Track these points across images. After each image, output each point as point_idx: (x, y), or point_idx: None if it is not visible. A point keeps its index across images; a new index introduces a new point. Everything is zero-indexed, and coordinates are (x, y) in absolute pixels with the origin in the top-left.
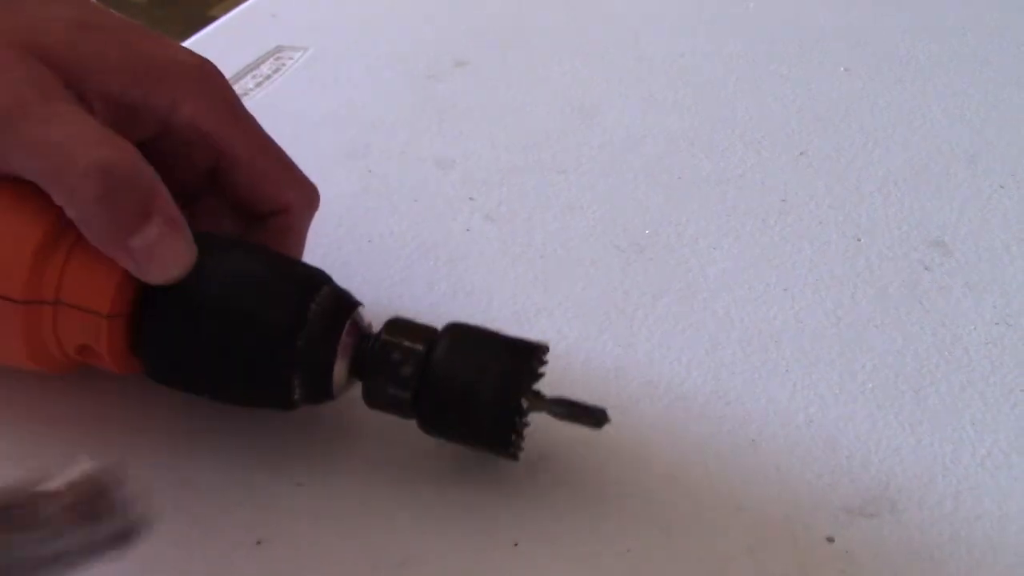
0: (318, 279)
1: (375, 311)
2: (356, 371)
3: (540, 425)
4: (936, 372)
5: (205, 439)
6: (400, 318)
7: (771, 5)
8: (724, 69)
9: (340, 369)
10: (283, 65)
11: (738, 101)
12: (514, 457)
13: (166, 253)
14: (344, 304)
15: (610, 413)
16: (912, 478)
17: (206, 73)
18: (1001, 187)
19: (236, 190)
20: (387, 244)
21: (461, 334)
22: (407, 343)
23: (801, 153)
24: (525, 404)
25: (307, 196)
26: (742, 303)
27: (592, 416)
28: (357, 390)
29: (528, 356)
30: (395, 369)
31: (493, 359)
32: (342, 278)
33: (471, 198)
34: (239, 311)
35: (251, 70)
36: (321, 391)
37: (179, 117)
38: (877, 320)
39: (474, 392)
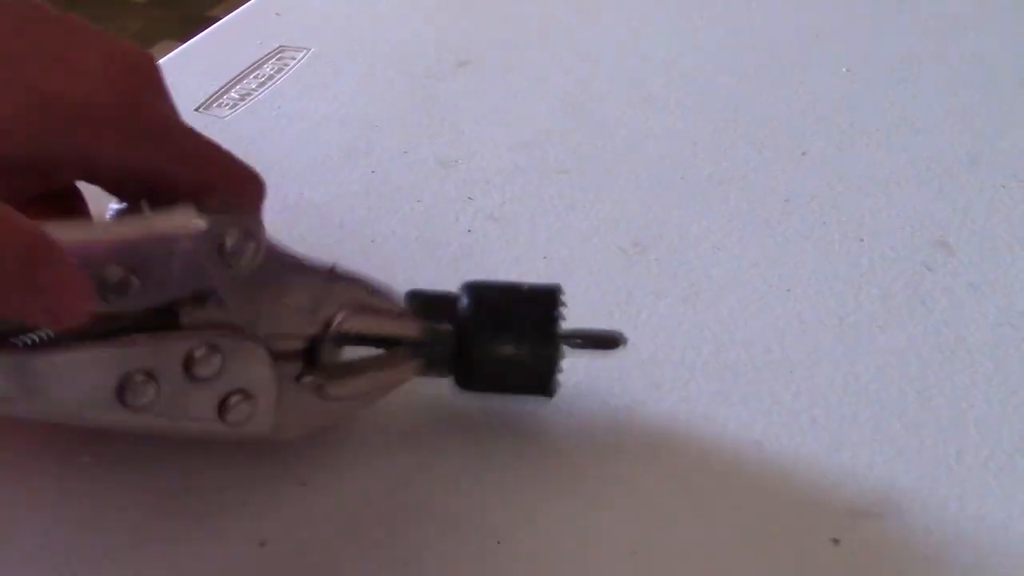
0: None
1: None
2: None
3: (541, 425)
4: (940, 373)
5: (208, 439)
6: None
7: (773, 5)
8: (726, 69)
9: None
10: (285, 65)
11: (740, 101)
12: (551, 394)
13: (62, 302)
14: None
15: (613, 413)
16: (916, 479)
17: (127, 95)
18: (1003, 187)
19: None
20: (389, 244)
21: (484, 294)
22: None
23: (803, 153)
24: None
25: (252, 193)
26: (745, 303)
27: (609, 339)
28: None
29: (553, 299)
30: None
31: (524, 313)
32: None
33: (473, 198)
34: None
35: (253, 70)
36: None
37: (102, 160)
38: (880, 321)
39: (517, 348)
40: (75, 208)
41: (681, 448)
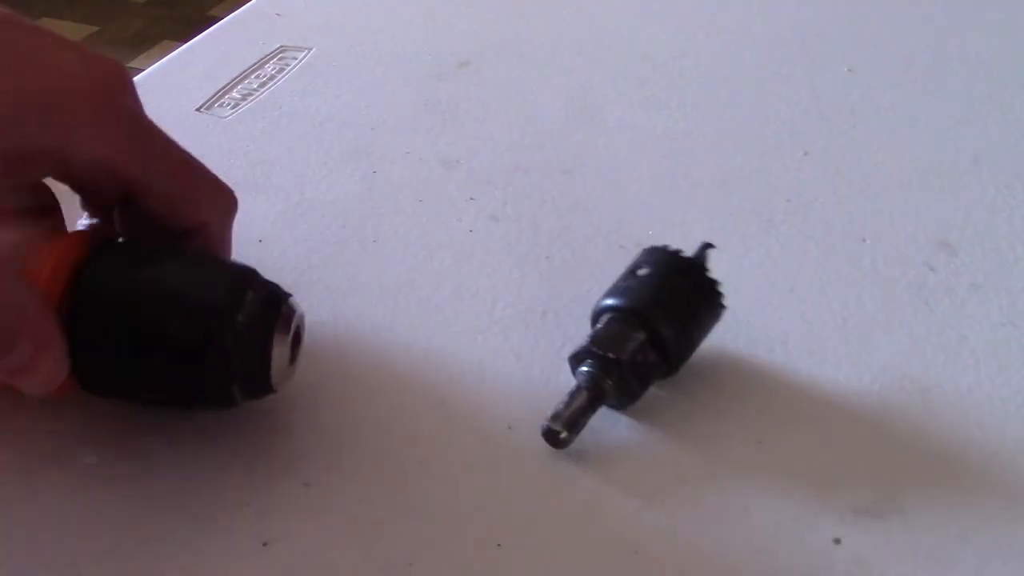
0: (242, 284)
1: (379, 312)
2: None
3: (538, 426)
4: (942, 373)
5: (211, 440)
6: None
7: (774, 5)
8: (728, 69)
9: (278, 368)
10: (287, 65)
11: (742, 101)
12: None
13: (38, 375)
14: (273, 300)
15: (611, 415)
16: (919, 479)
17: (100, 92)
18: (1006, 187)
19: (150, 213)
20: (391, 244)
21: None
22: None
23: (806, 153)
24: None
25: (224, 207)
26: (748, 304)
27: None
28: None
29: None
30: None
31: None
32: (345, 278)
33: (474, 198)
34: (164, 336)
35: (255, 70)
36: (261, 390)
37: (78, 155)
38: (883, 321)
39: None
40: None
41: (681, 448)
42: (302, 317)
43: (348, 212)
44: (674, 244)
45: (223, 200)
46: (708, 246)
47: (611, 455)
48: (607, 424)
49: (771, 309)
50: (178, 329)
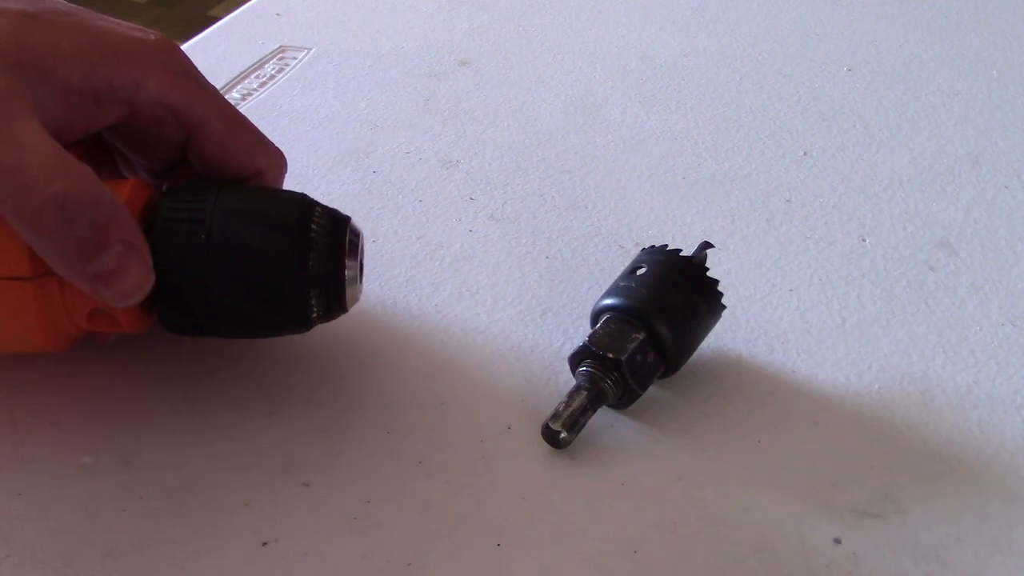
0: (309, 201)
1: (380, 312)
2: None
3: (538, 426)
4: (942, 373)
5: (210, 439)
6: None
7: (774, 5)
8: (727, 69)
9: (349, 281)
10: (287, 65)
11: (742, 101)
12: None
13: (126, 279)
14: (339, 217)
15: (611, 413)
16: (918, 479)
17: (164, 48)
18: (1006, 187)
19: (208, 160)
20: (391, 244)
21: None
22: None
23: (805, 153)
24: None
25: (278, 161)
26: (747, 303)
27: None
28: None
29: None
30: None
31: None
32: None
33: (474, 198)
34: (248, 247)
35: (255, 70)
36: (335, 306)
37: (146, 95)
38: (883, 321)
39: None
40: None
41: (681, 448)
42: (363, 237)
43: (348, 212)
44: (674, 244)
45: (277, 156)
46: (708, 246)
47: (611, 455)
48: (607, 424)
49: (771, 309)
50: (256, 246)
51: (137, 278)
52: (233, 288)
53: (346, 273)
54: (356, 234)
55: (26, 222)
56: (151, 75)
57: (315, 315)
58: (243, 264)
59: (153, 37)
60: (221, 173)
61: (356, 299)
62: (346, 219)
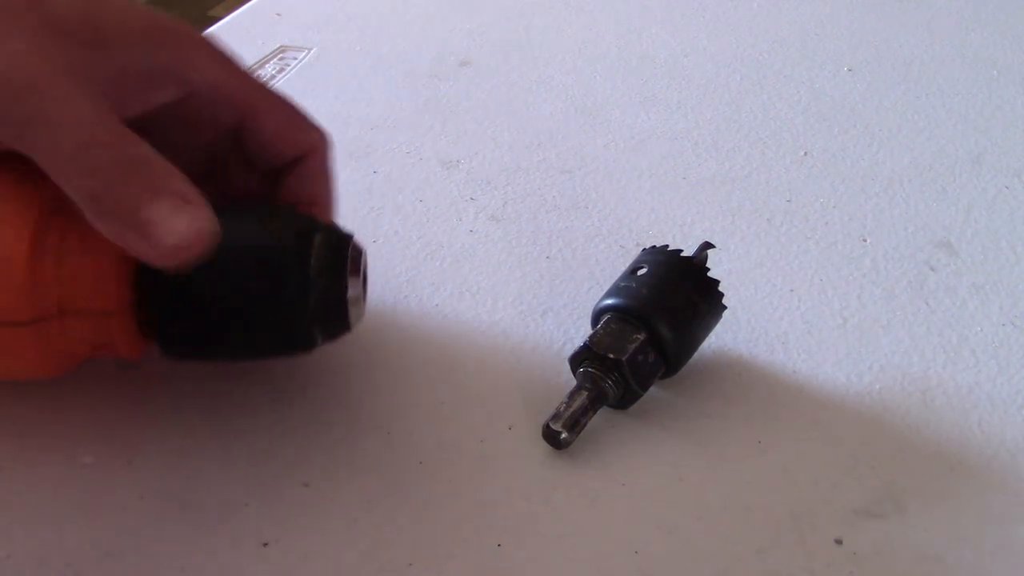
0: (309, 231)
1: (381, 312)
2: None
3: (538, 426)
4: (943, 373)
5: (210, 440)
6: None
7: (774, 5)
8: (728, 69)
9: (352, 302)
10: (287, 65)
11: (742, 101)
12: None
13: (182, 228)
14: (340, 244)
15: (611, 415)
16: (919, 479)
17: (210, 37)
18: (1007, 187)
19: (262, 142)
20: (391, 245)
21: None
22: None
23: (805, 153)
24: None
25: (326, 139)
26: (748, 303)
27: None
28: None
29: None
30: None
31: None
32: None
33: (475, 198)
34: (244, 281)
35: (255, 70)
36: (339, 330)
37: (202, 78)
38: (883, 321)
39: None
40: None
41: (681, 448)
42: (366, 254)
43: (349, 212)
44: (674, 244)
45: (325, 134)
46: (708, 246)
47: (611, 455)
48: (607, 424)
49: (771, 309)
50: (255, 275)
51: (197, 225)
52: (230, 324)
53: (348, 295)
54: (359, 252)
55: (71, 173)
56: (207, 60)
57: (319, 342)
58: (241, 302)
59: (198, 29)
60: (275, 154)
61: (360, 318)
62: (346, 239)
